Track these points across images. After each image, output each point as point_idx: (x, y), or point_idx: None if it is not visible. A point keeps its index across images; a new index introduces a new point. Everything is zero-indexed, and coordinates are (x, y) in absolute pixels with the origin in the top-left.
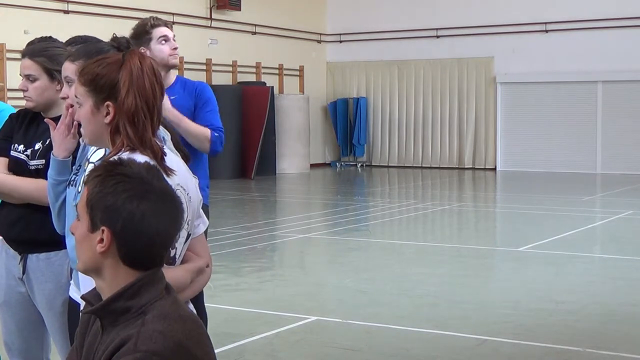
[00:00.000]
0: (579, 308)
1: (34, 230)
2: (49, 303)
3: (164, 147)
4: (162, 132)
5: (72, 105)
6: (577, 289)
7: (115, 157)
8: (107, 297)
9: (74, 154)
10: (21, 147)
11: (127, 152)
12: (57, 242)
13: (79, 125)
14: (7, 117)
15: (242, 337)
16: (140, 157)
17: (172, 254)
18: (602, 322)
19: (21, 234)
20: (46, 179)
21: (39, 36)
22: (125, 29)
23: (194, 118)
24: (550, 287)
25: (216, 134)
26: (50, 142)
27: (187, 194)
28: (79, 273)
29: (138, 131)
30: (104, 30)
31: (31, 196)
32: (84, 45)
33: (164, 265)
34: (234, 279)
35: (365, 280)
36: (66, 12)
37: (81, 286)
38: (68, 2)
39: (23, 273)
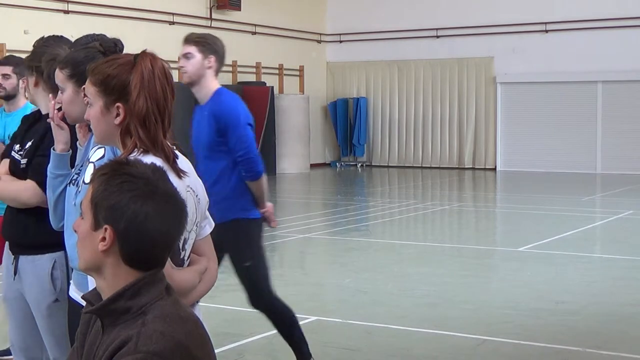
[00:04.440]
0: (579, 308)
1: (19, 231)
2: (35, 305)
3: (175, 149)
4: None
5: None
6: (577, 289)
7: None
8: (107, 296)
9: (74, 148)
10: (17, 147)
11: (141, 154)
12: (41, 246)
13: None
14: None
15: (242, 337)
16: (152, 159)
17: (181, 256)
18: (602, 322)
19: (10, 234)
20: (30, 178)
21: (39, 36)
22: (125, 29)
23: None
24: (550, 287)
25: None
26: (37, 141)
27: (197, 196)
28: (78, 273)
29: (150, 133)
30: (104, 30)
31: (7, 198)
32: (72, 52)
33: (174, 267)
34: (234, 279)
35: (365, 280)
36: (66, 12)
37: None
38: (68, 2)
39: (15, 273)
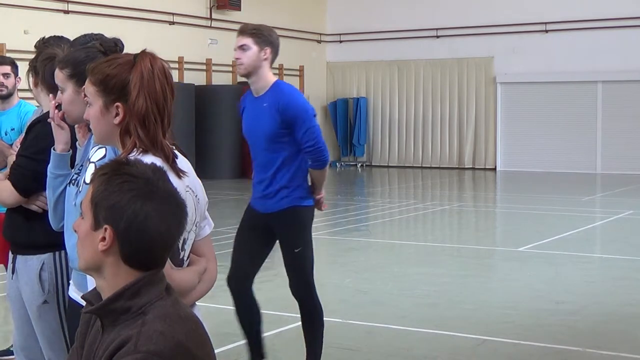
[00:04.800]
0: (579, 308)
1: (13, 231)
2: (28, 306)
3: (174, 149)
4: None
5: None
6: (577, 289)
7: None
8: (107, 296)
9: (73, 148)
10: (19, 148)
11: (140, 154)
12: (31, 246)
13: (86, 122)
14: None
15: (242, 337)
16: (152, 159)
17: (181, 256)
18: (602, 322)
19: (6, 233)
20: (8, 177)
21: (39, 36)
22: (125, 29)
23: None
24: (550, 287)
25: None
26: (25, 148)
27: (196, 196)
28: (78, 273)
29: (149, 133)
30: (104, 30)
31: None
32: (72, 52)
33: (174, 267)
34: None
35: (365, 280)
36: (66, 12)
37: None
38: (68, 2)
39: (12, 272)
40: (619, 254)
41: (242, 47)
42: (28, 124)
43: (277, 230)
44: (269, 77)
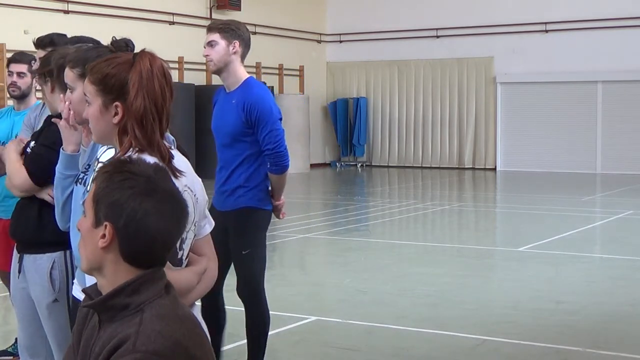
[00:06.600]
0: (579, 308)
1: (22, 229)
2: (37, 304)
3: (172, 148)
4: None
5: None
6: (577, 289)
7: (125, 156)
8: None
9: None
10: (32, 144)
11: (136, 153)
12: (42, 245)
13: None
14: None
15: (242, 337)
16: (148, 159)
17: (179, 256)
18: (602, 322)
19: (15, 232)
20: (24, 164)
21: (39, 37)
22: (125, 29)
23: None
24: (550, 287)
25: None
26: (45, 137)
27: (194, 195)
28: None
29: (146, 133)
30: (104, 30)
31: (7, 176)
32: (83, 51)
33: (172, 267)
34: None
35: (365, 280)
36: (66, 12)
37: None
38: (68, 2)
39: (19, 272)
40: (619, 254)
41: (210, 44)
42: (44, 118)
43: (229, 229)
44: (240, 73)
